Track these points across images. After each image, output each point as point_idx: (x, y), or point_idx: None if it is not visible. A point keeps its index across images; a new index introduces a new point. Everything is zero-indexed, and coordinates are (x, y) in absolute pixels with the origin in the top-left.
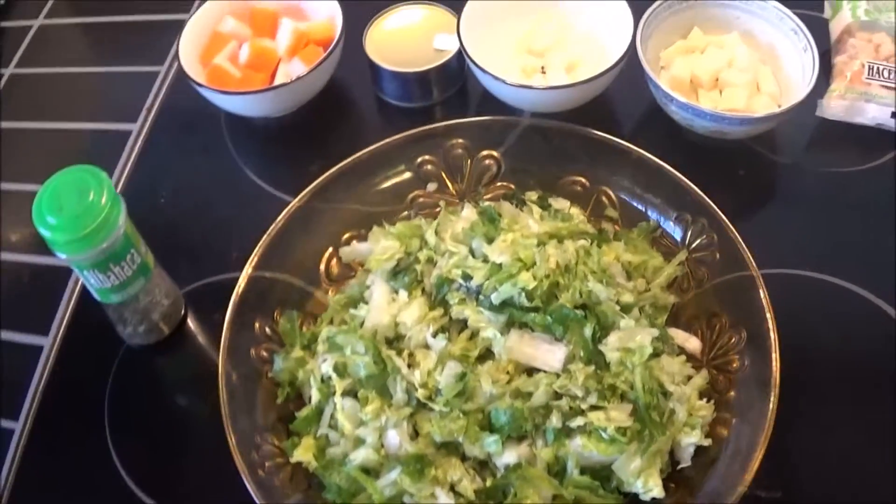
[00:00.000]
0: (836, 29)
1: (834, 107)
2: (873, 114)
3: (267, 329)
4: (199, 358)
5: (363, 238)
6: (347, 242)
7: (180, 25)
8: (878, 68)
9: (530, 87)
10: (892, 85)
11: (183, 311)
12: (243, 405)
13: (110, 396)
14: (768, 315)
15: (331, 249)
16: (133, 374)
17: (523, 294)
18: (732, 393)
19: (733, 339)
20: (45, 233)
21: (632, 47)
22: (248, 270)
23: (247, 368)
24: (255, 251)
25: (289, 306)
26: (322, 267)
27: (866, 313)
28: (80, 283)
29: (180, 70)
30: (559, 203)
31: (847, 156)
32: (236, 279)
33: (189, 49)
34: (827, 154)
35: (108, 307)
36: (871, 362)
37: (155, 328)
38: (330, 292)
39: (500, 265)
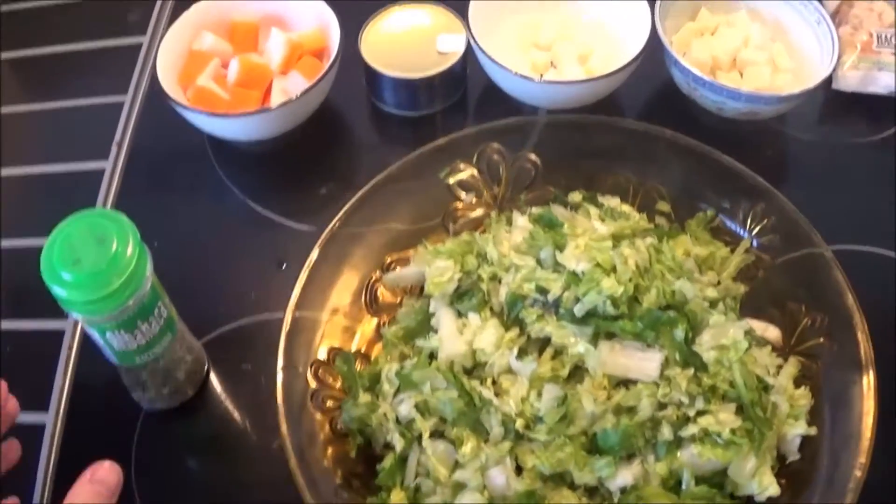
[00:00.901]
0: (832, 2)
1: (849, 78)
2: (886, 81)
3: (319, 374)
4: (230, 417)
5: (404, 261)
6: (388, 268)
7: (135, 50)
8: (885, 36)
9: (559, 83)
10: None
11: (206, 366)
12: (315, 466)
13: (136, 473)
14: (849, 292)
15: (371, 277)
16: (158, 445)
17: (608, 302)
18: (824, 377)
19: (814, 322)
20: (59, 291)
21: (653, 33)
22: (290, 311)
23: (307, 423)
24: (297, 287)
25: (335, 345)
26: (364, 298)
27: None
28: (77, 343)
29: (150, 97)
30: (610, 201)
31: (864, 124)
32: (259, 323)
33: (166, 70)
34: (843, 125)
35: (123, 371)
36: None
37: (180, 389)
38: (375, 323)
39: (577, 273)
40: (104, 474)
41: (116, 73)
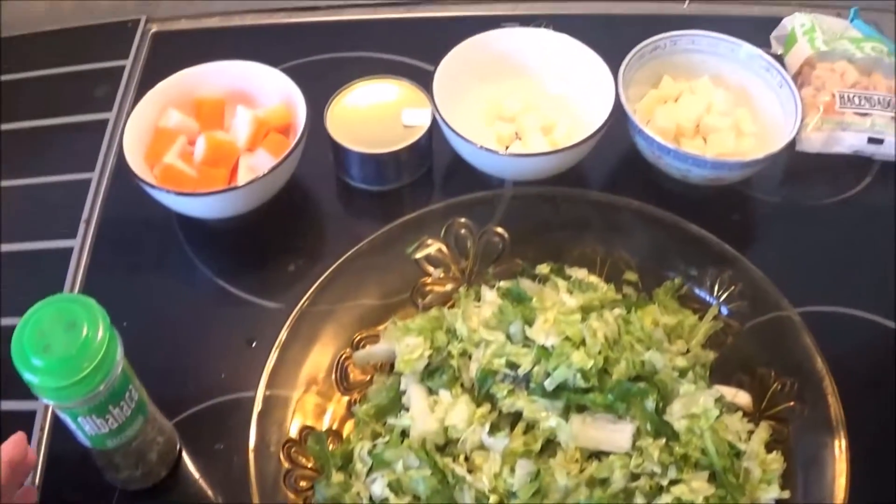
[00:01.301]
0: (793, 63)
1: (813, 139)
2: (850, 141)
3: (292, 454)
4: (203, 496)
5: (374, 337)
6: (358, 345)
7: (102, 126)
8: (848, 96)
9: (524, 156)
10: (864, 111)
11: (178, 446)
12: None
13: None
14: (817, 356)
15: (341, 354)
16: None
17: (578, 375)
18: (796, 441)
19: (784, 386)
20: (30, 378)
21: (616, 102)
22: (262, 391)
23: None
24: (267, 366)
25: (307, 424)
26: (335, 375)
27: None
28: (48, 424)
29: (117, 174)
30: (578, 273)
31: (828, 184)
32: (231, 402)
33: (133, 148)
34: (808, 186)
35: (96, 452)
36: None
37: (153, 470)
38: (346, 401)
39: (547, 348)
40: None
41: (83, 149)
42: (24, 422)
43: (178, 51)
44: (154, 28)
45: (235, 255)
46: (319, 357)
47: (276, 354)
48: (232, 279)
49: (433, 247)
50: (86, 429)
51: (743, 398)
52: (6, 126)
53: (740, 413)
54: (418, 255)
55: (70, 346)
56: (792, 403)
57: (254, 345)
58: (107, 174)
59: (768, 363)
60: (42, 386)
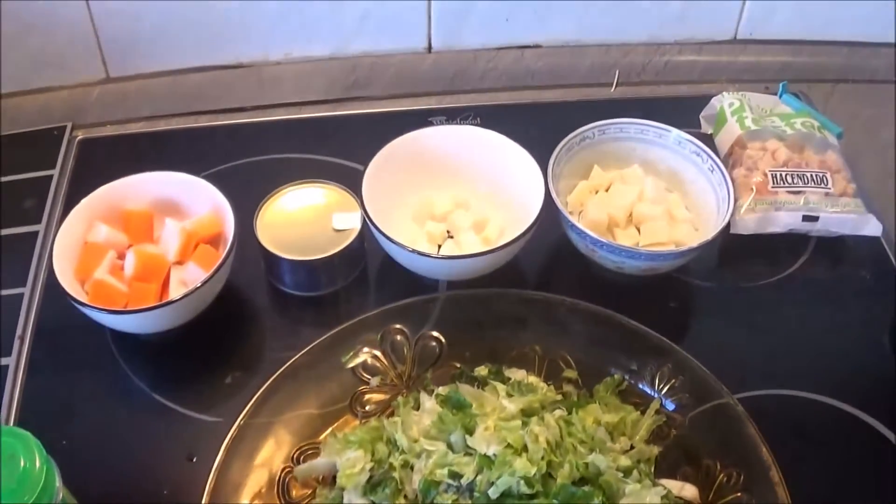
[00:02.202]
0: (724, 143)
1: (747, 221)
2: (785, 220)
3: None
4: None
5: (314, 448)
6: (299, 459)
7: (30, 239)
8: (781, 175)
9: (456, 258)
10: (798, 189)
11: None
12: None
13: None
14: (762, 445)
15: (282, 468)
16: None
17: (522, 482)
18: None
19: (730, 478)
20: None
21: (548, 199)
22: None
23: None
24: (208, 486)
25: None
26: (276, 490)
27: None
28: None
29: (49, 288)
30: (516, 374)
31: (765, 265)
32: None
33: (63, 264)
34: (744, 268)
35: None
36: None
37: None
38: None
39: (490, 456)
40: None
41: (14, 262)
42: None
43: (104, 157)
44: (80, 135)
45: (171, 369)
46: (260, 472)
47: (217, 471)
48: (169, 393)
49: (368, 354)
50: None
51: (689, 491)
52: None
53: None
54: (353, 364)
55: (9, 478)
56: (739, 495)
57: (194, 460)
58: (38, 288)
59: (713, 454)
60: None
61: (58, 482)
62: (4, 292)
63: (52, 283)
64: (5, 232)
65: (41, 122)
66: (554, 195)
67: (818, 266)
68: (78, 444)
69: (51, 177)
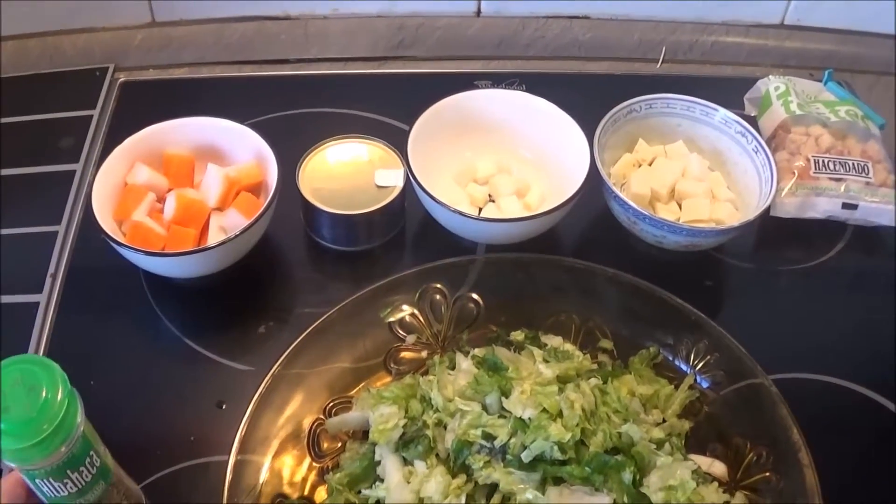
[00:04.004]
0: (768, 126)
1: (787, 204)
2: (825, 207)
3: None
4: None
5: (346, 402)
6: (330, 412)
7: (67, 177)
8: (823, 161)
9: (498, 221)
10: (839, 176)
11: None
12: None
13: None
14: (793, 426)
15: (314, 421)
16: None
17: (555, 447)
18: None
19: (759, 457)
20: None
21: (593, 169)
22: (233, 457)
23: None
24: (239, 432)
25: (279, 491)
26: (307, 442)
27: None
28: None
29: (84, 228)
30: (553, 340)
31: (802, 250)
32: (200, 466)
33: (101, 204)
34: (781, 251)
35: None
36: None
37: None
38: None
39: (524, 420)
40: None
41: (49, 201)
42: None
43: (146, 101)
44: (122, 77)
45: (204, 315)
46: (291, 423)
47: (248, 420)
48: (200, 339)
49: (406, 311)
50: (44, 490)
51: (718, 468)
52: None
53: (716, 484)
54: (392, 319)
55: (30, 408)
56: (767, 474)
57: (223, 407)
58: (73, 227)
59: (744, 433)
60: (2, 448)
61: (79, 416)
62: (38, 230)
63: (87, 222)
64: (41, 169)
65: (81, 62)
66: (599, 165)
67: (854, 254)
68: (106, 385)
69: (90, 117)
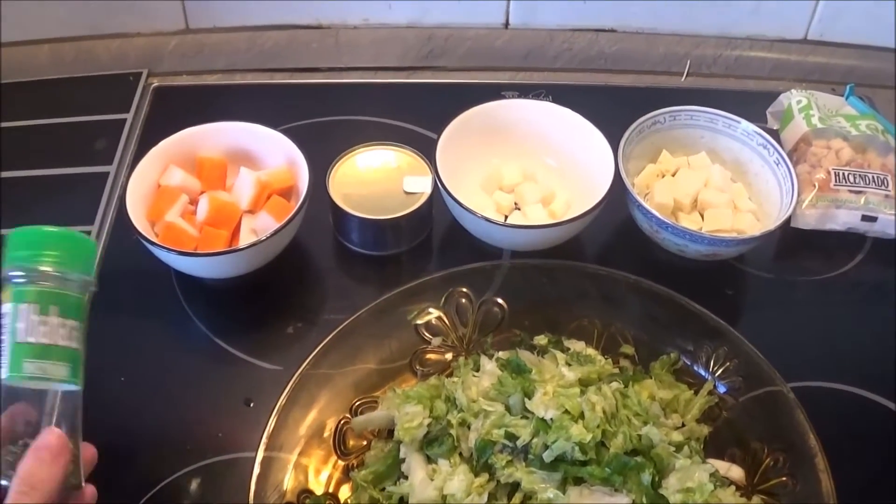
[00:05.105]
0: (790, 139)
1: (808, 216)
2: (844, 219)
3: None
4: None
5: (371, 402)
6: (356, 411)
7: (100, 179)
8: (843, 174)
9: (524, 227)
10: (859, 188)
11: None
12: None
13: None
14: (810, 433)
15: (340, 419)
16: None
17: (576, 448)
18: None
19: (776, 462)
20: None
21: (617, 177)
22: (261, 454)
23: None
24: (267, 429)
25: (305, 487)
26: (333, 440)
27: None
28: None
29: (117, 228)
30: (576, 345)
31: (821, 261)
32: (227, 462)
33: (135, 204)
34: (800, 262)
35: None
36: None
37: None
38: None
39: (546, 420)
40: (45, 441)
41: (83, 201)
42: None
43: (179, 106)
44: (155, 83)
45: (233, 315)
46: (317, 421)
47: (276, 417)
48: (229, 339)
49: (433, 315)
50: (18, 325)
51: (736, 472)
52: (5, 174)
53: (733, 487)
54: (419, 321)
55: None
56: (784, 479)
57: (251, 405)
58: (106, 227)
59: (761, 438)
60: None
61: (94, 278)
62: (72, 229)
63: (119, 222)
64: (76, 170)
65: (115, 67)
66: (623, 175)
67: (873, 266)
68: (136, 382)
69: (124, 120)
